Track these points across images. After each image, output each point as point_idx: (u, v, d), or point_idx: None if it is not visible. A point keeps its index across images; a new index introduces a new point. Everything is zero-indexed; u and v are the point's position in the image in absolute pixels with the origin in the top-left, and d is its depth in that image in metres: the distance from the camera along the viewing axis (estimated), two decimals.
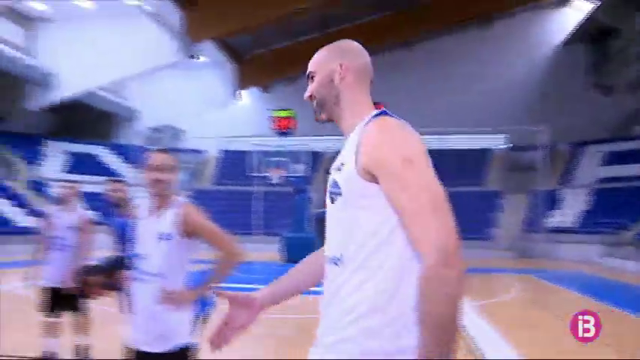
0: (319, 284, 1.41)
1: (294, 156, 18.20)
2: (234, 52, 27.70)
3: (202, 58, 22.97)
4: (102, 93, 26.77)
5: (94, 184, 25.91)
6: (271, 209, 23.29)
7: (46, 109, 25.35)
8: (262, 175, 20.03)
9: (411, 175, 1.14)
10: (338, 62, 1.37)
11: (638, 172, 23.26)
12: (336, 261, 1.25)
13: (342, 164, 1.25)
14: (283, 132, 17.72)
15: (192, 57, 21.63)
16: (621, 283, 13.01)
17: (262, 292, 1.50)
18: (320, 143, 25.34)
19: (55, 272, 4.51)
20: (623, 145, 26.03)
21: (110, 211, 4.26)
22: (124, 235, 3.48)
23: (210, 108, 29.76)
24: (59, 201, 4.79)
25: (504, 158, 28.44)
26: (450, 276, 1.08)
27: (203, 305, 2.82)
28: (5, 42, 21.70)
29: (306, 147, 18.80)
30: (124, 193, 4.21)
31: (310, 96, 1.41)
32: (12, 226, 19.65)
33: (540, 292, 11.72)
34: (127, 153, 29.16)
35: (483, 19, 29.32)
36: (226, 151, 31.89)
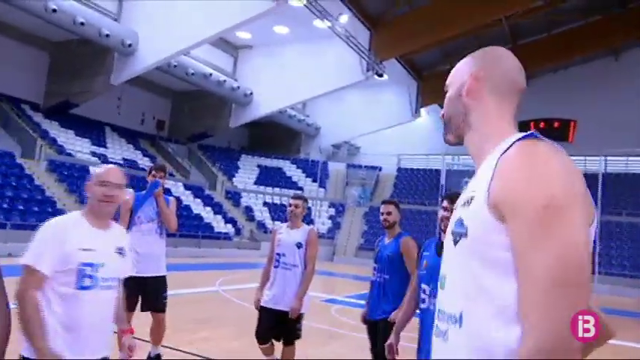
0: None
1: None
2: (415, 69, 27.46)
3: (385, 76, 23.12)
4: (290, 111, 28.65)
5: (278, 195, 28.04)
6: None
7: (242, 126, 27.98)
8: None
9: (548, 227, 0.87)
10: (469, 72, 1.14)
11: None
12: (454, 320, 1.01)
13: (472, 198, 1.01)
14: None
15: (379, 75, 21.84)
16: None
17: None
18: None
19: (281, 293, 4.23)
20: None
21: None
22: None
23: (387, 125, 29.90)
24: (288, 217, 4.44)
25: None
26: None
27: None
28: (216, 68, 24.53)
29: None
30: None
31: (443, 114, 1.21)
32: (215, 232, 21.92)
33: None
34: (309, 168, 30.80)
35: None
36: (402, 169, 31.82)
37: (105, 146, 22.96)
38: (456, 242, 1.03)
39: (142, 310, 4.41)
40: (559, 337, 0.85)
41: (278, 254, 4.31)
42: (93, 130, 23.19)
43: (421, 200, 27.91)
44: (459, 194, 3.44)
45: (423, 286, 2.99)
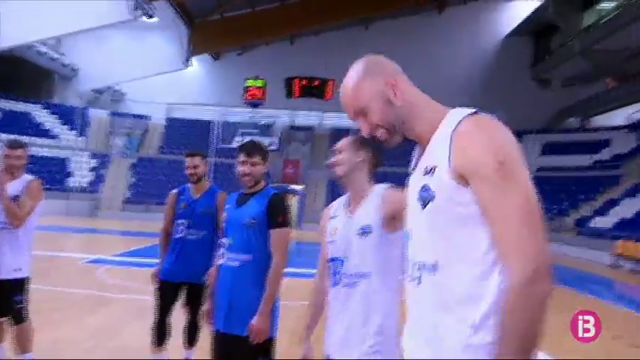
0: None
1: (263, 128, 17.71)
2: (187, 14, 26.55)
3: (154, 18, 21.79)
4: (40, 47, 24.83)
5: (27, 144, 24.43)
6: (226, 182, 22.86)
7: None
8: (228, 146, 19.14)
9: (506, 180, 1.07)
10: (382, 81, 1.26)
11: (571, 162, 25.00)
12: (429, 267, 1.18)
13: (434, 167, 1.16)
14: (255, 102, 17.22)
15: (148, 16, 20.41)
16: (563, 267, 13.54)
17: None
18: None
19: None
20: (558, 136, 27.76)
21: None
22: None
23: (157, 72, 28.44)
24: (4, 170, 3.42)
25: None
26: (540, 294, 1.03)
27: None
28: None
29: (273, 119, 18.36)
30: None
31: (376, 127, 1.27)
32: None
33: None
34: (64, 114, 27.48)
35: (437, 3, 30.06)
36: (173, 119, 30.84)
37: None
38: (425, 205, 1.17)
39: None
40: (540, 261, 1.03)
41: None
42: None
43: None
44: (254, 144, 2.87)
45: (223, 240, 2.63)
